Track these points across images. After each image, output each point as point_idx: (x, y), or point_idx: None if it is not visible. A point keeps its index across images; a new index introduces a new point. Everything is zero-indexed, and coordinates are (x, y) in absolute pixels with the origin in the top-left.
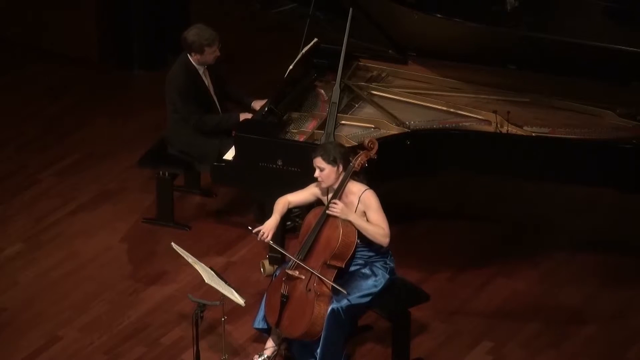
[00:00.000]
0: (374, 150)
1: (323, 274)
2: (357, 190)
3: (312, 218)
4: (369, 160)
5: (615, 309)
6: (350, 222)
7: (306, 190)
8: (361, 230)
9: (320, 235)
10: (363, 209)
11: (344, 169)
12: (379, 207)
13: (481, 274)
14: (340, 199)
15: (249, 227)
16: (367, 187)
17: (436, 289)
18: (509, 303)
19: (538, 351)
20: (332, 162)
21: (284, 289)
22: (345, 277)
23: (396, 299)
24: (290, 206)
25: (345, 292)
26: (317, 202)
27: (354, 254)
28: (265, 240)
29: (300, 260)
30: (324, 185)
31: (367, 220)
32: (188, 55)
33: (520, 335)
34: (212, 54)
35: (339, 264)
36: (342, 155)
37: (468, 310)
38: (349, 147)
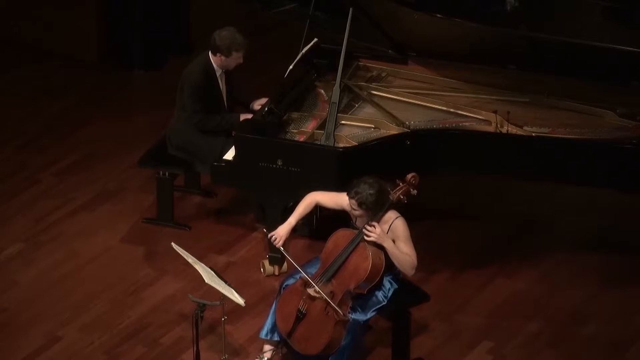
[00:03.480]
0: (415, 186)
1: (344, 299)
2: (388, 218)
3: (339, 239)
4: (408, 196)
5: (615, 309)
6: (382, 249)
7: (339, 197)
8: (392, 258)
9: (347, 263)
10: (392, 237)
11: (375, 213)
12: (409, 237)
13: (481, 274)
14: None
15: (264, 230)
16: (399, 215)
17: (436, 289)
18: (509, 303)
19: (538, 351)
20: (365, 209)
21: (302, 306)
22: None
23: (396, 299)
24: (319, 205)
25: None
26: (343, 215)
27: (377, 282)
28: (277, 246)
29: (324, 283)
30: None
31: None
32: (210, 55)
33: (520, 335)
34: (236, 59)
35: (361, 292)
36: (375, 205)
37: (468, 310)
38: (387, 186)
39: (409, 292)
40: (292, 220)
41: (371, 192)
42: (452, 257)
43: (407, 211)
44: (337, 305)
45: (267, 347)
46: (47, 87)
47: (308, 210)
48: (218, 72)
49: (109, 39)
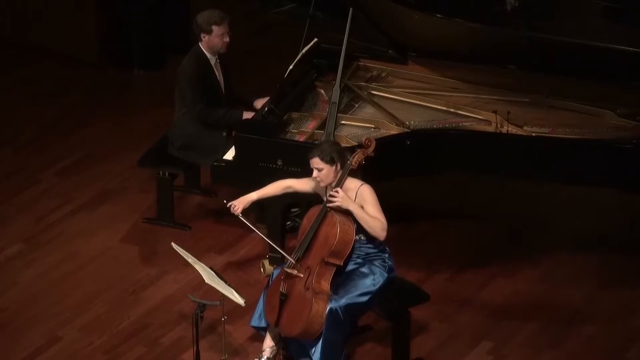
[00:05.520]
0: (371, 148)
1: (321, 272)
2: (354, 186)
3: (311, 217)
4: (366, 158)
5: (615, 309)
6: (349, 216)
7: (308, 180)
8: (360, 221)
9: (318, 233)
10: (361, 204)
11: (342, 167)
12: (376, 201)
13: (481, 274)
14: None
15: (225, 201)
16: (364, 182)
17: (436, 289)
18: (509, 303)
19: (538, 351)
20: (330, 161)
21: (282, 288)
22: (343, 275)
23: (396, 299)
24: (289, 190)
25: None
26: (316, 198)
27: (352, 251)
28: (235, 213)
29: (299, 258)
30: (322, 184)
31: None
32: (200, 43)
33: (520, 335)
34: (220, 36)
35: (337, 262)
36: (338, 154)
37: (468, 310)
38: (344, 146)
39: (409, 292)
40: (254, 194)
41: (325, 145)
42: (452, 257)
43: (407, 211)
44: (315, 280)
45: (266, 346)
46: (47, 87)
47: (275, 191)
48: (212, 61)
49: (109, 39)
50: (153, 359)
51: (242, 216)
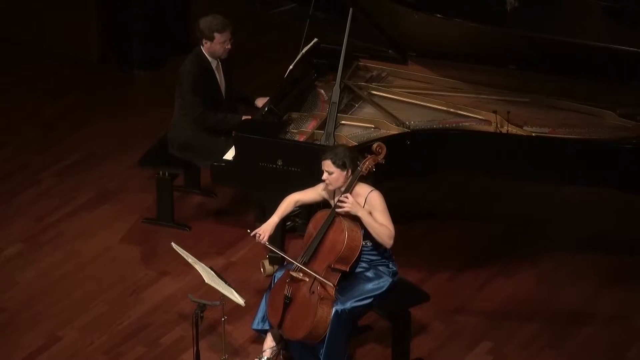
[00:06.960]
0: (382, 155)
1: (327, 277)
2: (364, 192)
3: (318, 220)
4: (377, 165)
5: (615, 309)
6: (357, 222)
7: (315, 189)
8: (368, 228)
9: (325, 239)
10: (369, 210)
11: (352, 172)
12: (385, 209)
13: (481, 274)
14: None
15: (248, 231)
16: (373, 189)
17: (436, 289)
18: (509, 303)
19: (538, 351)
20: (342, 166)
21: (287, 291)
22: (349, 279)
23: (396, 299)
24: (298, 204)
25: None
26: (324, 203)
27: (358, 258)
28: (262, 242)
29: (305, 263)
30: (331, 187)
31: None
32: (201, 47)
33: (520, 335)
34: (221, 43)
35: (343, 268)
36: (351, 160)
37: (468, 310)
38: (357, 151)
39: (409, 292)
40: (275, 218)
41: (340, 149)
42: (452, 257)
43: (407, 212)
44: (320, 285)
45: (266, 346)
46: (47, 87)
47: (289, 209)
48: (213, 64)
49: (109, 39)
50: (153, 359)
51: (269, 244)
